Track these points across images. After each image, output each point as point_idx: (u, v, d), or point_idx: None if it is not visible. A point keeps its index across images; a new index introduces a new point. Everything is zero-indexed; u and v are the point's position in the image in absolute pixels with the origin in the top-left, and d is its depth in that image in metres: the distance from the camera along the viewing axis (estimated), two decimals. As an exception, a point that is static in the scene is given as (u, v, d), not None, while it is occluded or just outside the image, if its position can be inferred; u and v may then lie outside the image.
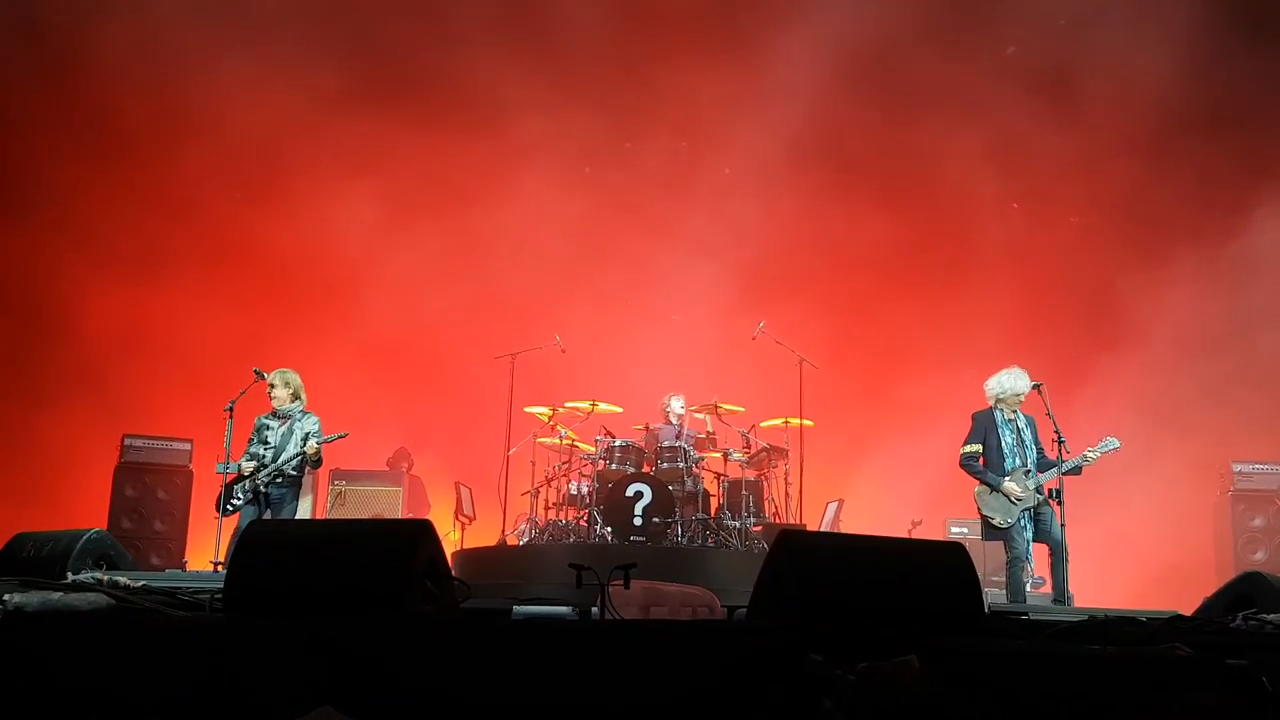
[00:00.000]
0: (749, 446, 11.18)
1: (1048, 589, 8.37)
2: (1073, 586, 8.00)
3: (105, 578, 5.38)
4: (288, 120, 13.30)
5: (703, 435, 11.50)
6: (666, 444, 11.04)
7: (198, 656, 3.70)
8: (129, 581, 5.09)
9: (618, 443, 10.89)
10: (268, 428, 8.99)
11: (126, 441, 11.96)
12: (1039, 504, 8.17)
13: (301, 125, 13.40)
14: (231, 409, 8.85)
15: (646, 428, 11.67)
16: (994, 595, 8.60)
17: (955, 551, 4.17)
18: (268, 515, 8.84)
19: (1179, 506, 12.01)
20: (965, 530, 11.56)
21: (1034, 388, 8.39)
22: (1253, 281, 12.82)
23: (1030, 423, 8.44)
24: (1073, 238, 13.90)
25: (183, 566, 11.03)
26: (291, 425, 8.95)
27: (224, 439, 8.83)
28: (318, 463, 9.08)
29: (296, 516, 10.93)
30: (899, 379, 13.64)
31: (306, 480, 12.33)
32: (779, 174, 13.92)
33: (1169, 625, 4.53)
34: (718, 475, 11.05)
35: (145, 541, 11.62)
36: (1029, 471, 8.22)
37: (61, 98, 13.08)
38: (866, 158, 14.29)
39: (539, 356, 11.66)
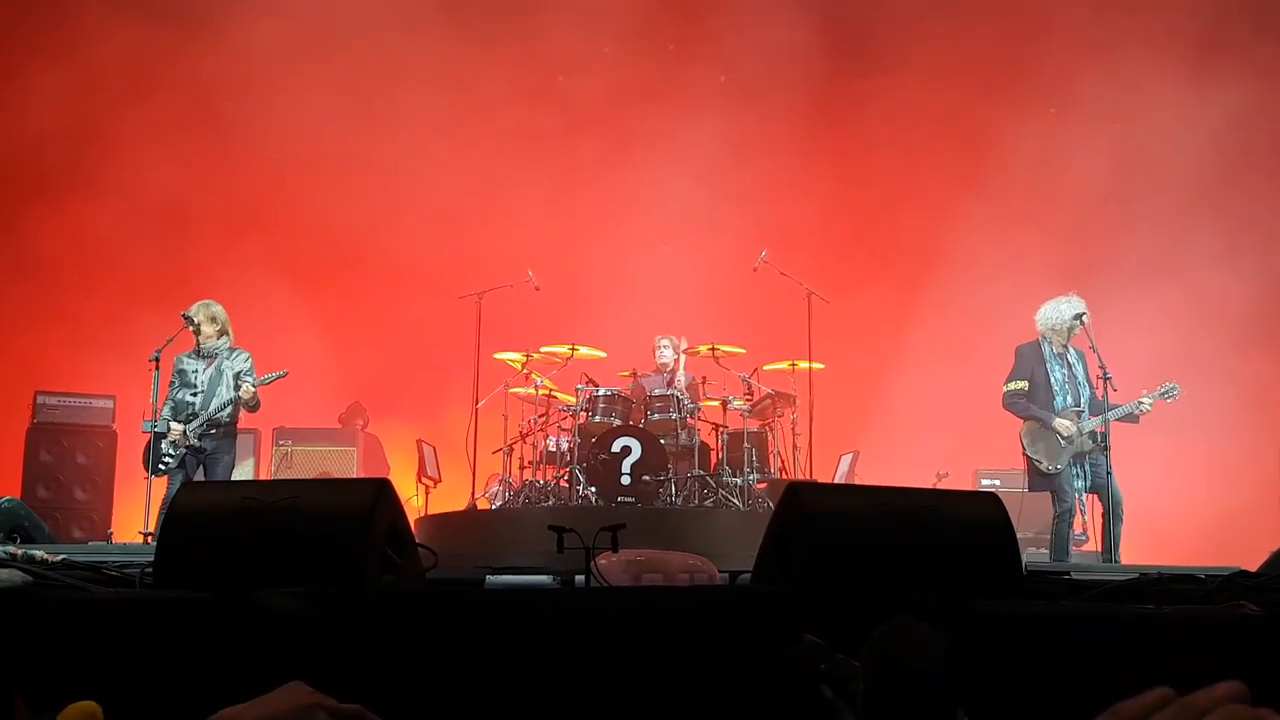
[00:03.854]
0: (751, 393, 11.20)
1: (1091, 545, 8.43)
2: (1122, 543, 8.07)
3: (19, 552, 5.35)
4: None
5: (699, 380, 11.53)
6: (657, 392, 11.06)
7: (131, 637, 3.70)
8: (47, 556, 5.05)
9: (601, 392, 10.90)
10: (191, 370, 8.86)
11: (39, 399, 11.86)
12: (1092, 450, 8.19)
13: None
14: (158, 359, 8.77)
15: (634, 374, 11.69)
16: (1032, 555, 8.68)
17: (988, 502, 4.18)
18: (200, 474, 8.77)
19: (1238, 454, 12.10)
20: (998, 482, 11.64)
21: (1076, 318, 8.37)
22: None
23: (1081, 357, 8.42)
24: (1118, 145, 13.76)
25: (108, 538, 11.05)
26: (219, 364, 8.84)
27: (150, 394, 8.76)
28: (255, 406, 8.90)
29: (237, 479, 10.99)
30: (921, 312, 13.58)
31: (248, 440, 12.37)
32: (781, 79, 13.81)
33: (1231, 582, 4.56)
34: (716, 427, 11.05)
35: (64, 511, 11.62)
36: (1081, 412, 8.23)
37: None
38: (881, 58, 14.16)
39: (509, 295, 11.63)
